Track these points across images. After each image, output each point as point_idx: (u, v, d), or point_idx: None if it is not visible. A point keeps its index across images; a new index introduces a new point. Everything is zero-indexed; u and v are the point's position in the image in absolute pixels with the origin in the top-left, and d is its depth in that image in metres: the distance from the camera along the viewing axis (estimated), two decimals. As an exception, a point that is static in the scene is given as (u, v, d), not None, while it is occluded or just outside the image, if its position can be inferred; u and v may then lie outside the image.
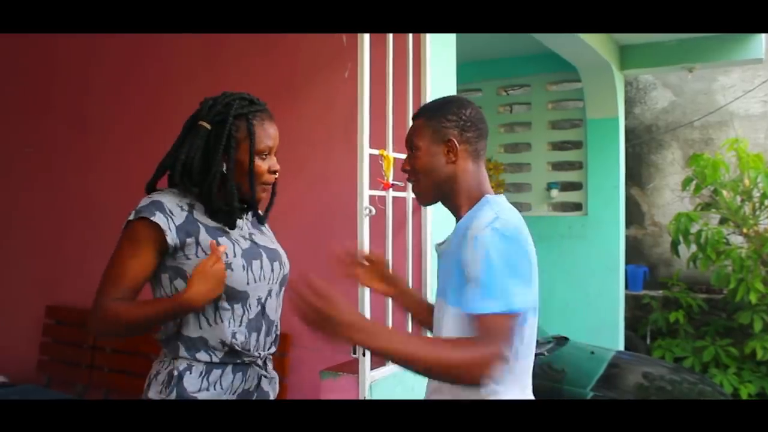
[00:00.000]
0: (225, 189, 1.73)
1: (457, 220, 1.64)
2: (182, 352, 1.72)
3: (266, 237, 1.89)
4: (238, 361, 1.76)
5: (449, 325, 1.54)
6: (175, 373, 1.70)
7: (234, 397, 1.76)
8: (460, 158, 1.60)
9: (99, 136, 3.87)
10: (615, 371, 4.08)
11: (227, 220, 1.75)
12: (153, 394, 1.72)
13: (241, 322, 1.75)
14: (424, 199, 1.69)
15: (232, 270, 1.70)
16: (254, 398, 1.81)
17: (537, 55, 5.73)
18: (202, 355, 1.72)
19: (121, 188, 3.84)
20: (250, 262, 1.75)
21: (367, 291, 2.25)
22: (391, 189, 2.42)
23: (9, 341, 4.07)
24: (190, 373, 1.71)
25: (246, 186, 1.75)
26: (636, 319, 6.57)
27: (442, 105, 1.65)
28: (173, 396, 1.68)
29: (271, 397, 1.87)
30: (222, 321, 1.72)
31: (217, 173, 1.71)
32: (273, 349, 1.86)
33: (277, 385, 1.91)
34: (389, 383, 2.39)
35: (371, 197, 2.31)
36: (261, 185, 1.77)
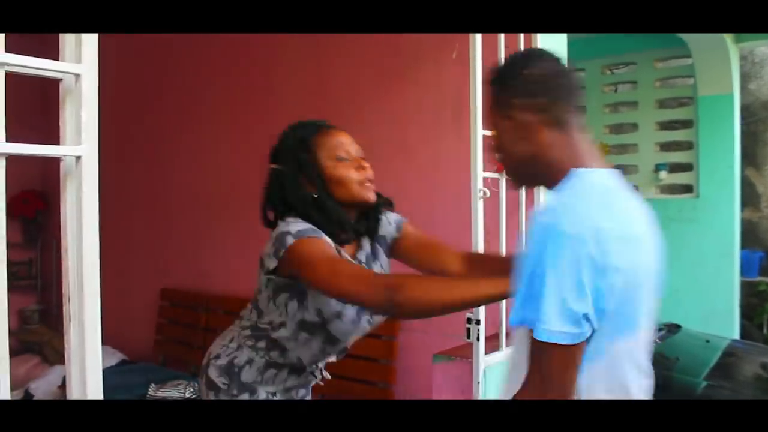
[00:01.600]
0: (325, 209, 1.69)
1: None
2: (261, 344, 1.77)
3: (384, 268, 1.86)
4: (303, 370, 1.82)
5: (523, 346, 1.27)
6: (235, 362, 1.77)
7: (282, 389, 1.81)
8: (533, 131, 1.29)
9: (207, 132, 3.99)
10: (730, 360, 3.90)
11: (340, 239, 1.70)
12: (213, 375, 1.78)
13: (325, 355, 1.80)
14: (513, 183, 1.46)
15: (341, 321, 1.69)
16: (299, 393, 1.86)
17: (643, 31, 5.51)
18: (275, 355, 1.76)
19: (224, 181, 3.98)
20: (360, 317, 1.73)
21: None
22: (503, 172, 2.36)
23: (128, 322, 4.28)
24: (249, 367, 1.76)
25: (342, 194, 1.71)
26: (751, 307, 6.25)
27: (504, 67, 1.37)
28: (235, 388, 1.75)
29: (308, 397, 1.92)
30: (310, 350, 1.75)
31: (306, 200, 1.68)
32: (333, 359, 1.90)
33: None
34: (503, 369, 2.35)
35: (484, 179, 2.26)
36: (357, 186, 1.72)
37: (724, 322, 5.37)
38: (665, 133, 5.90)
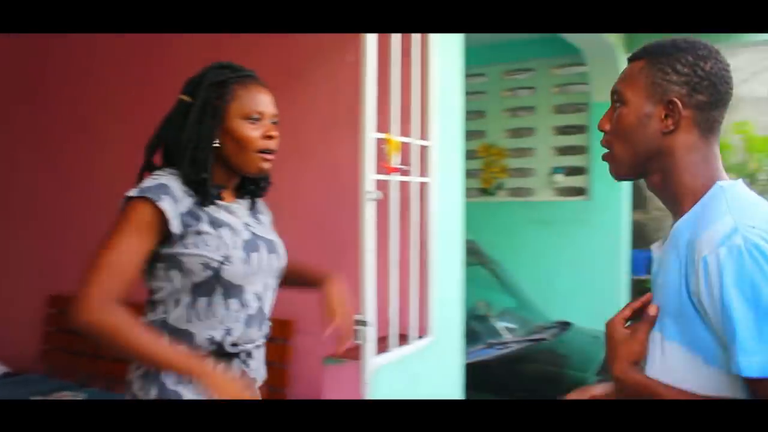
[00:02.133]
0: (198, 159, 1.62)
1: (675, 216, 1.23)
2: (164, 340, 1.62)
3: (264, 227, 1.80)
4: (222, 353, 1.67)
5: (677, 369, 1.14)
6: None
7: None
8: (683, 128, 1.20)
9: (99, 131, 3.85)
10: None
11: (199, 196, 1.63)
12: (135, 383, 1.65)
13: (237, 318, 1.67)
14: (619, 171, 1.29)
15: (231, 263, 1.61)
16: None
17: (541, 39, 5.67)
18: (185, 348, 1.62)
19: (119, 182, 3.83)
20: (249, 255, 1.66)
21: (371, 283, 2.21)
22: (395, 173, 2.38)
23: (12, 333, 4.06)
24: None
25: (238, 157, 1.66)
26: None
27: (675, 48, 1.22)
28: (154, 390, 1.60)
29: (258, 383, 1.78)
30: (215, 316, 1.64)
31: (189, 144, 1.62)
32: (261, 342, 1.77)
33: (264, 371, 1.83)
34: (393, 369, 2.37)
35: (375, 182, 2.27)
36: (256, 154, 1.66)
37: (614, 319, 5.58)
38: (561, 138, 6.10)
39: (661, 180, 1.24)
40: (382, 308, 2.36)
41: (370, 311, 2.20)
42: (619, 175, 1.31)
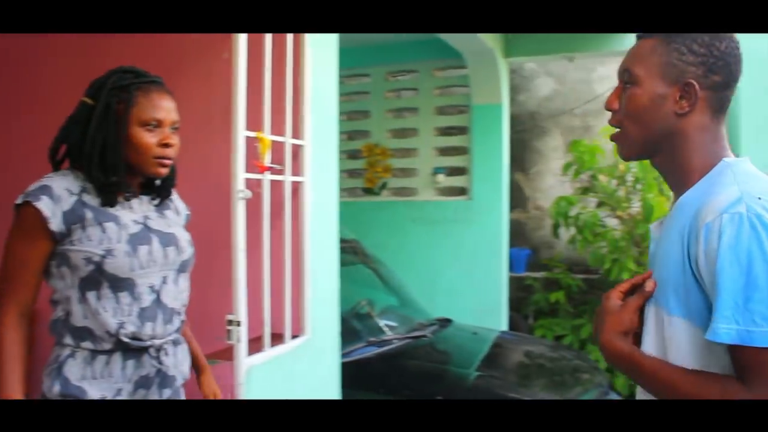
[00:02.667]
0: (106, 164, 1.67)
1: (678, 193, 1.24)
2: (67, 339, 1.66)
3: (166, 221, 1.84)
4: (128, 348, 1.70)
5: (681, 343, 1.13)
6: (59, 359, 1.66)
7: (130, 385, 1.70)
8: (697, 110, 1.19)
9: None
10: (498, 351, 4.19)
11: (104, 198, 1.69)
12: (44, 381, 1.67)
13: (130, 311, 1.69)
14: (629, 152, 1.27)
15: (113, 256, 1.64)
16: (156, 384, 1.76)
17: (423, 41, 5.77)
18: (87, 344, 1.66)
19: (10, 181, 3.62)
20: (136, 248, 1.69)
21: (242, 283, 2.19)
22: (268, 172, 2.37)
23: None
24: (73, 359, 1.65)
25: (136, 161, 1.70)
26: (519, 300, 6.78)
27: (692, 34, 1.19)
28: (57, 387, 1.63)
29: (179, 381, 1.83)
30: (106, 311, 1.66)
31: (95, 148, 1.66)
32: (172, 337, 1.81)
33: (187, 367, 1.89)
34: (268, 369, 2.36)
35: (247, 180, 2.26)
36: (153, 159, 1.71)
37: (494, 315, 5.77)
38: (443, 139, 6.24)
39: (670, 160, 1.23)
40: (256, 308, 2.34)
41: (242, 311, 2.18)
42: (628, 156, 1.29)
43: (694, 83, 1.17)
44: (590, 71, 7.22)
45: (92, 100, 1.71)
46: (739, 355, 1.04)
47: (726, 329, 1.02)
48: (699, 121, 1.19)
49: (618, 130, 1.28)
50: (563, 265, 6.70)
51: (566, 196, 5.79)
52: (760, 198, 1.07)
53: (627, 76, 1.24)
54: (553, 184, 7.28)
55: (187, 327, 2.00)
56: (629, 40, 5.03)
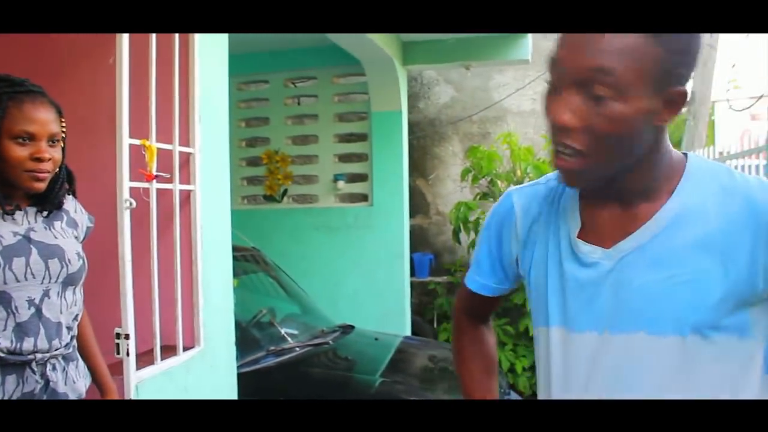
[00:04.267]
0: None
1: (639, 203, 1.04)
2: None
3: (52, 232, 1.77)
4: (6, 363, 1.62)
5: (705, 371, 0.99)
6: None
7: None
8: (670, 107, 0.96)
9: None
10: (402, 356, 4.22)
11: None
12: None
13: (5, 326, 1.62)
14: (586, 183, 1.04)
15: None
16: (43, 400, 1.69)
17: (322, 48, 5.78)
18: None
19: None
20: (10, 260, 1.62)
21: (129, 294, 2.13)
22: (155, 181, 2.31)
23: None
24: None
25: (8, 175, 1.64)
26: (423, 305, 6.87)
27: (681, 35, 0.95)
28: None
29: (71, 398, 1.75)
30: None
31: None
32: (60, 352, 1.74)
33: (83, 384, 1.83)
34: (159, 382, 2.30)
35: (134, 189, 2.20)
36: (24, 174, 1.64)
37: (398, 320, 5.82)
38: (343, 146, 6.25)
39: (635, 179, 1.02)
40: (147, 320, 2.28)
41: (130, 323, 2.12)
42: (576, 183, 1.04)
43: (684, 92, 0.95)
44: (488, 79, 7.41)
45: None
46: None
47: None
48: (668, 126, 1.01)
49: (567, 154, 0.98)
50: (465, 269, 6.79)
51: (466, 202, 5.92)
52: None
53: (599, 78, 0.92)
54: (453, 189, 7.42)
55: (92, 343, 1.96)
56: (522, 49, 5.15)
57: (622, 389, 1.02)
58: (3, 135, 1.62)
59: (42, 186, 1.70)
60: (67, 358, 1.78)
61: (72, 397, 1.77)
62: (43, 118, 1.68)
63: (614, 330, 1.03)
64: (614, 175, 1.01)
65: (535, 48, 5.93)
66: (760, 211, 0.95)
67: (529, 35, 5.78)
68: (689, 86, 0.99)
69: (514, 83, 7.29)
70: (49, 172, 1.69)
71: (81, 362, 1.86)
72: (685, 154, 1.06)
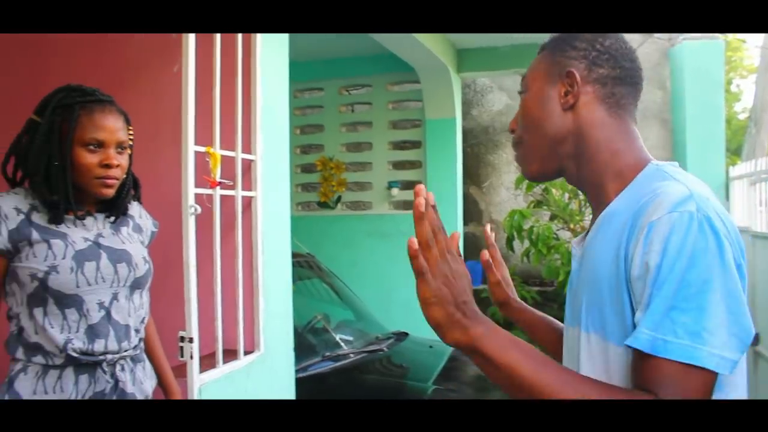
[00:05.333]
0: (50, 182, 1.69)
1: (598, 202, 1.14)
2: (19, 354, 1.67)
3: (119, 237, 1.84)
4: (80, 363, 1.69)
5: (617, 372, 1.01)
6: (11, 374, 1.66)
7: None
8: (586, 105, 1.12)
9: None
10: (455, 364, 4.19)
11: (50, 215, 1.70)
12: None
13: (78, 328, 1.69)
14: (532, 167, 1.19)
15: (57, 273, 1.65)
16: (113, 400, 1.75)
17: (377, 56, 5.81)
18: (39, 359, 1.67)
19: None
20: (82, 264, 1.70)
21: (193, 299, 2.16)
22: (218, 187, 2.35)
23: None
24: (25, 374, 1.65)
25: (79, 181, 1.71)
26: (476, 313, 6.80)
27: (574, 34, 1.17)
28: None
29: (138, 398, 1.81)
30: (52, 327, 1.66)
31: (39, 167, 1.68)
32: (129, 353, 1.80)
33: (150, 385, 1.88)
34: (220, 385, 2.33)
35: (197, 195, 2.24)
36: (94, 180, 1.72)
37: (450, 328, 5.77)
38: (397, 153, 6.26)
39: (576, 166, 1.15)
40: (210, 324, 2.32)
41: (194, 327, 2.15)
42: (533, 173, 1.19)
43: (574, 71, 1.12)
44: (541, 87, 7.32)
45: (39, 117, 1.72)
46: (648, 364, 0.92)
47: (642, 334, 0.93)
48: (591, 117, 1.12)
49: (518, 144, 1.22)
50: (518, 277, 6.77)
51: (520, 210, 5.86)
52: (708, 199, 0.97)
53: (522, 89, 1.22)
54: (506, 197, 7.36)
55: (158, 346, 2.03)
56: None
57: None
58: (75, 142, 1.70)
59: (111, 192, 1.76)
60: (134, 360, 1.84)
61: (139, 397, 1.83)
62: (112, 126, 1.74)
63: (568, 324, 1.18)
64: (559, 167, 1.17)
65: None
66: (637, 211, 0.99)
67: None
68: (598, 75, 1.13)
69: (521, 96, 7.18)
70: (117, 178, 1.76)
71: (148, 364, 1.92)
72: (653, 163, 1.11)
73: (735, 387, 0.99)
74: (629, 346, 0.95)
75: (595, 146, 1.12)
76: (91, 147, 1.71)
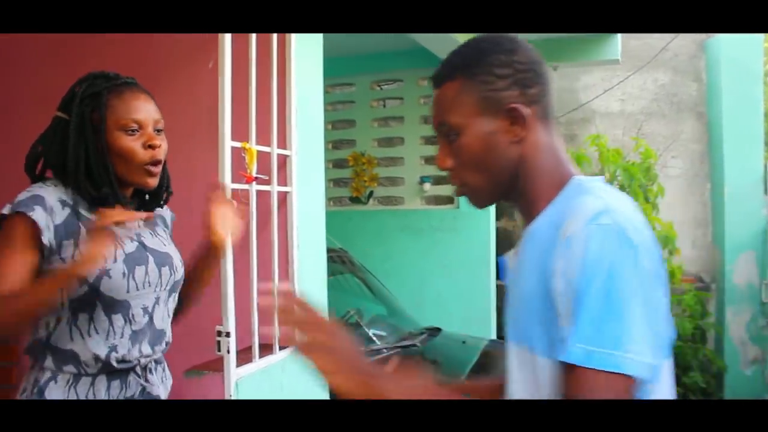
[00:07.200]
0: (94, 177, 1.58)
1: (528, 220, 1.15)
2: (48, 362, 1.57)
3: (159, 239, 1.77)
4: (114, 370, 1.62)
5: (546, 385, 1.03)
6: (39, 384, 1.56)
7: None
8: (531, 130, 1.11)
9: None
10: (488, 359, 4.18)
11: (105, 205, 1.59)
12: None
13: (122, 333, 1.61)
14: (480, 201, 1.19)
15: (110, 277, 1.56)
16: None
17: (408, 50, 5.78)
18: (70, 368, 1.57)
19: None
20: (133, 269, 1.62)
21: (230, 293, 2.17)
22: (254, 182, 2.36)
23: None
24: (55, 383, 1.56)
25: (123, 170, 1.61)
26: (507, 308, 6.77)
27: (481, 54, 1.12)
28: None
29: (163, 398, 1.77)
30: (98, 333, 1.58)
31: (79, 165, 1.57)
32: (158, 357, 1.76)
33: (169, 385, 1.84)
34: (256, 380, 2.34)
35: (234, 191, 2.25)
36: (141, 167, 1.62)
37: (483, 323, 5.76)
38: (429, 147, 6.22)
39: (517, 190, 1.15)
40: (245, 318, 2.33)
41: (231, 322, 2.17)
42: (481, 205, 1.20)
43: (517, 107, 1.09)
44: (574, 80, 7.26)
45: (65, 114, 1.62)
46: (574, 375, 0.94)
47: (573, 348, 0.94)
48: (535, 140, 1.11)
49: (457, 186, 1.19)
50: (550, 272, 6.71)
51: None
52: (623, 212, 1.00)
53: (446, 130, 1.13)
54: (539, 191, 7.30)
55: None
56: (612, 49, 5.10)
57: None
58: (111, 129, 1.59)
59: (155, 182, 1.67)
60: (158, 361, 1.79)
61: (163, 396, 1.79)
62: (146, 106, 1.65)
63: (506, 337, 1.20)
64: (506, 192, 1.16)
65: (624, 47, 5.77)
66: (557, 226, 1.02)
67: (618, 34, 5.63)
68: (531, 96, 1.11)
69: (601, 84, 7.12)
70: (160, 161, 1.67)
71: (166, 364, 1.86)
72: (575, 179, 1.13)
73: (660, 389, 1.03)
74: (556, 359, 0.98)
75: (538, 169, 1.13)
76: (131, 131, 1.60)
